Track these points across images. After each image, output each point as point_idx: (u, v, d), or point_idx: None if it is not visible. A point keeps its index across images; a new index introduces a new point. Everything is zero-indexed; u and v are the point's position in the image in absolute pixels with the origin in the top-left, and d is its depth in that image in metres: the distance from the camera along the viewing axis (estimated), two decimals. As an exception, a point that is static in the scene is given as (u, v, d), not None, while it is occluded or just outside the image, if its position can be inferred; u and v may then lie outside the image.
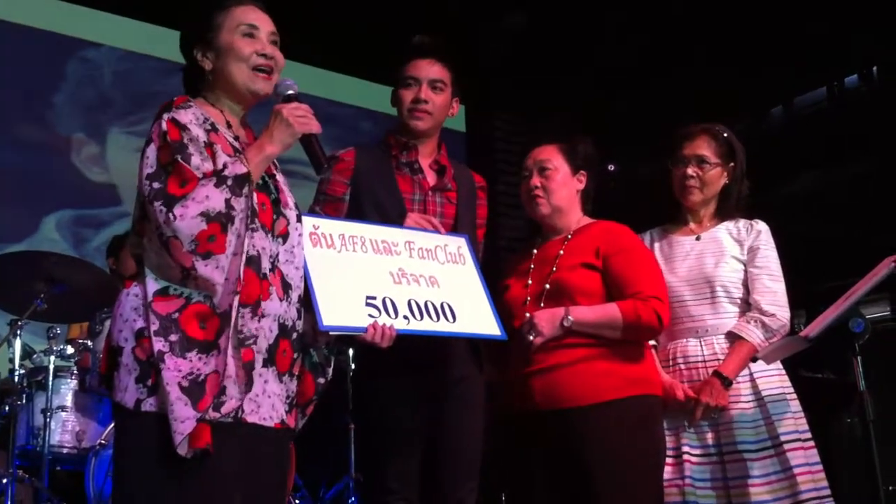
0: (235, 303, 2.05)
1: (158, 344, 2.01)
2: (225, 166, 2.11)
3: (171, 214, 2.01)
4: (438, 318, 2.51)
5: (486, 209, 3.04)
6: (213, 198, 2.04)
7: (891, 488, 2.85)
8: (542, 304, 2.76)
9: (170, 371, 1.99)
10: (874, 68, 5.72)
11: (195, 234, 2.02)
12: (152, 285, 2.07)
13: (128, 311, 2.10)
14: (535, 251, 2.92)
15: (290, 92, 2.29)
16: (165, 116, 2.13)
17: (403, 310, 2.46)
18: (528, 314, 2.72)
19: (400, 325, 2.41)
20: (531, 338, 2.64)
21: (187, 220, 2.01)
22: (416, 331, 2.45)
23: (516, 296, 2.81)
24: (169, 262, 2.05)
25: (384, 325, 2.37)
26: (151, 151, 2.11)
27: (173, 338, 2.02)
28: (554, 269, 2.81)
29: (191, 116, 2.16)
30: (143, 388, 2.03)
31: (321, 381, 2.37)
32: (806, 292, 3.82)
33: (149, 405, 2.02)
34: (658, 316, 2.69)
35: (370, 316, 2.38)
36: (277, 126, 2.22)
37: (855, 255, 3.12)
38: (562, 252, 2.84)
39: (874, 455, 2.61)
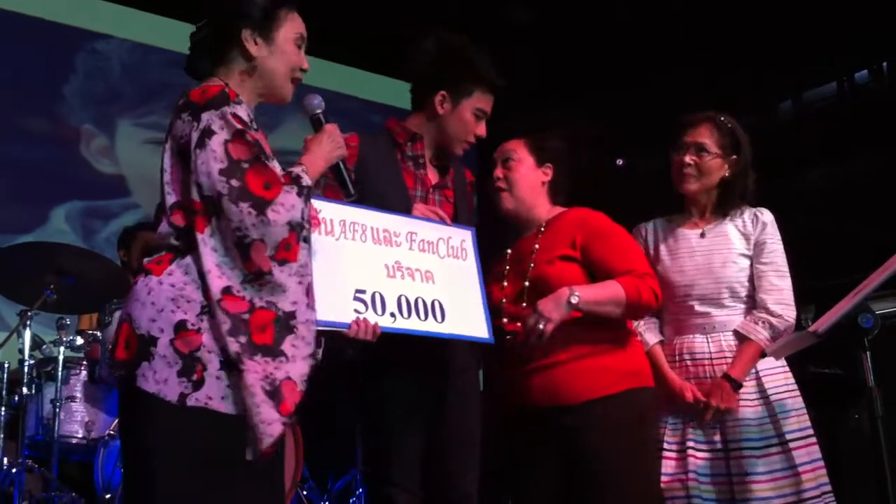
0: (302, 311, 2.09)
1: (234, 345, 2.01)
2: (300, 176, 2.15)
3: (263, 217, 2.02)
4: (426, 317, 2.51)
5: (472, 205, 3.03)
6: (297, 207, 2.07)
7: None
8: (523, 304, 2.73)
9: (251, 373, 2.00)
10: (884, 63, 5.70)
11: (279, 240, 2.04)
12: (218, 282, 2.04)
13: (163, 300, 2.05)
14: (508, 251, 2.89)
15: (320, 111, 2.37)
16: (227, 110, 2.10)
17: (391, 306, 2.45)
18: (503, 299, 2.72)
19: (385, 322, 2.41)
20: (541, 326, 2.55)
21: (279, 226, 2.03)
22: (402, 329, 2.45)
23: (494, 299, 2.76)
24: (240, 262, 2.04)
25: (367, 321, 2.37)
26: (218, 144, 2.06)
27: (242, 339, 2.02)
28: (532, 265, 2.78)
29: (245, 113, 2.15)
30: (189, 382, 2.01)
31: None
32: (815, 288, 3.82)
33: (194, 400, 2.01)
34: (654, 293, 2.69)
35: (356, 311, 2.38)
36: (328, 145, 2.30)
37: (864, 251, 3.11)
38: (537, 246, 2.81)
39: (882, 451, 2.60)
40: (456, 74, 2.79)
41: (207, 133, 2.07)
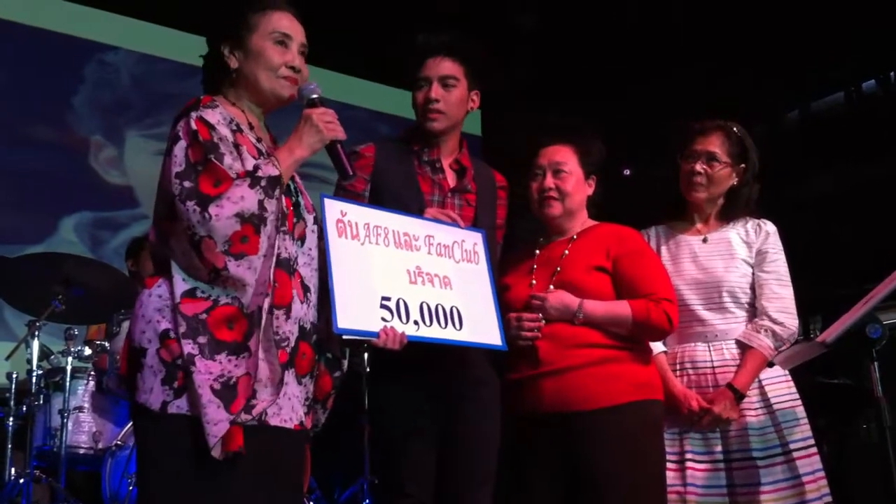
0: (266, 304, 2.05)
1: (188, 346, 2.00)
2: (257, 168, 2.10)
3: (205, 214, 2.00)
4: (446, 325, 2.50)
5: (505, 209, 3.00)
6: (247, 199, 2.03)
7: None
8: None
9: (201, 374, 1.98)
10: (892, 73, 5.69)
11: (229, 234, 2.01)
12: (180, 286, 2.05)
13: (151, 311, 2.08)
14: (537, 251, 2.91)
15: (315, 96, 2.28)
16: (193, 115, 2.11)
17: (415, 314, 2.44)
18: (541, 294, 2.71)
19: (410, 330, 2.39)
20: (530, 324, 2.65)
21: (223, 220, 2.00)
22: (425, 337, 2.43)
23: (520, 295, 2.78)
24: (198, 262, 2.03)
25: (395, 330, 2.35)
26: (180, 150, 2.08)
27: (202, 340, 2.01)
28: (559, 269, 2.80)
29: (218, 116, 2.15)
30: (170, 389, 2.01)
31: (337, 374, 2.37)
32: (822, 297, 3.81)
33: (175, 407, 2.01)
34: (668, 317, 2.69)
35: (383, 319, 2.36)
36: (307, 130, 2.22)
37: (870, 260, 3.10)
38: (567, 252, 2.83)
39: (890, 461, 2.59)
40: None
41: (173, 140, 2.10)
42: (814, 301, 3.01)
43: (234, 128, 2.17)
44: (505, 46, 6.57)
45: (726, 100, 5.26)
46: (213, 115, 2.14)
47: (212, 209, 2.00)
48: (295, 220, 2.24)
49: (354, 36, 6.21)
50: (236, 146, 2.13)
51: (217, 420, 1.97)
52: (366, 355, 3.93)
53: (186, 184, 2.04)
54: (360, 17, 6.09)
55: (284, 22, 2.29)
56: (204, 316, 2.03)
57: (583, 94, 6.44)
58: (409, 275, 2.50)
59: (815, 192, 5.74)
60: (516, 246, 3.02)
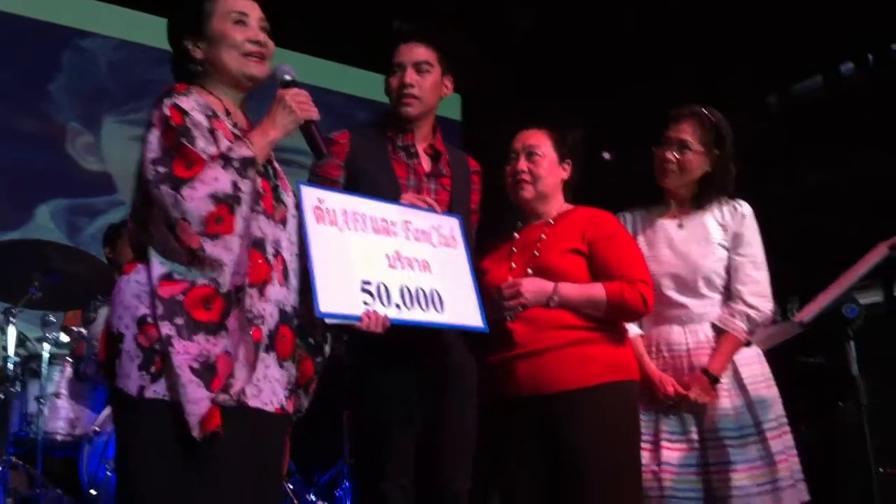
0: (242, 284, 2.06)
1: (165, 328, 2.00)
2: (230, 149, 2.11)
3: (179, 196, 2.01)
4: (428, 308, 2.51)
5: (479, 194, 3.02)
6: (220, 179, 2.04)
7: (882, 470, 2.86)
8: None
9: (179, 354, 1.98)
10: (869, 56, 5.71)
11: (203, 215, 2.02)
12: (157, 270, 2.05)
13: (128, 297, 2.08)
14: (516, 235, 2.92)
15: (288, 77, 2.30)
16: (167, 102, 2.13)
17: (396, 297, 2.44)
18: (510, 279, 2.72)
19: (392, 313, 2.40)
20: (510, 303, 2.65)
21: (196, 201, 2.01)
22: (407, 320, 2.44)
23: (499, 278, 2.79)
24: (175, 245, 2.03)
25: (377, 313, 2.36)
26: (154, 136, 2.09)
27: (179, 321, 2.01)
28: (536, 252, 2.82)
29: (192, 102, 2.16)
30: (147, 374, 2.02)
31: (319, 360, 2.38)
32: (800, 280, 3.83)
33: (153, 392, 2.01)
34: (643, 298, 2.71)
35: (364, 303, 2.37)
36: (280, 111, 2.23)
37: (849, 245, 3.12)
38: (544, 236, 2.84)
39: (867, 439, 2.62)
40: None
41: (148, 127, 2.12)
42: (791, 283, 3.02)
43: (210, 113, 2.18)
44: (501, 43, 6.58)
45: (709, 87, 5.28)
46: (187, 102, 2.15)
47: (185, 191, 2.01)
48: (275, 203, 2.25)
49: (332, 20, 6.18)
50: (212, 131, 2.14)
51: (198, 399, 1.97)
52: (345, 337, 3.94)
53: (161, 169, 2.05)
54: (338, 1, 6.06)
55: (238, 2, 2.31)
56: (181, 297, 2.03)
57: (574, 92, 6.44)
58: (389, 259, 2.51)
59: (798, 176, 5.75)
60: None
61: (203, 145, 2.09)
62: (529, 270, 2.78)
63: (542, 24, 6.40)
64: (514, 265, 2.84)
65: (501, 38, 6.57)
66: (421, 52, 2.84)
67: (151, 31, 5.84)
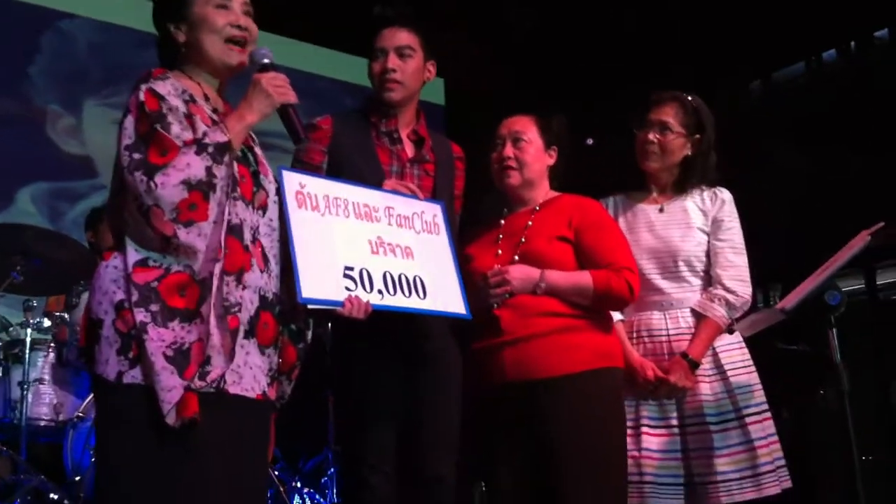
0: (217, 270, 2.05)
1: (140, 315, 2.00)
2: (205, 135, 2.09)
3: (152, 183, 2.00)
4: (410, 294, 2.51)
5: (463, 180, 3.02)
6: (194, 166, 2.03)
7: (864, 458, 2.89)
8: None
9: (153, 341, 1.98)
10: (852, 43, 5.73)
11: (177, 202, 2.00)
12: (132, 256, 2.05)
13: (107, 283, 2.08)
14: (502, 222, 2.93)
15: (266, 61, 2.27)
16: (143, 87, 2.11)
17: (378, 283, 2.44)
18: (497, 266, 2.73)
19: (374, 299, 2.40)
20: (497, 290, 2.66)
21: (169, 188, 2.00)
22: (389, 306, 2.44)
23: (486, 265, 2.79)
24: (149, 232, 2.03)
25: (360, 299, 2.36)
26: (129, 123, 2.08)
27: (154, 308, 2.01)
28: (523, 239, 2.82)
29: (169, 87, 2.15)
30: (125, 360, 2.01)
31: (301, 346, 2.37)
32: (783, 267, 3.85)
33: (131, 377, 2.01)
34: (629, 286, 2.72)
35: (347, 289, 2.36)
36: (256, 95, 2.21)
37: (832, 233, 3.13)
38: (530, 223, 2.85)
39: (849, 426, 2.64)
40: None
41: (125, 113, 2.11)
42: (774, 269, 3.03)
43: (188, 98, 2.17)
44: (501, 43, 6.56)
45: (690, 72, 5.29)
46: (163, 87, 2.14)
47: (158, 178, 2.00)
48: (254, 188, 2.23)
49: (319, 5, 6.14)
50: (189, 116, 2.13)
51: (171, 386, 1.97)
52: (329, 325, 3.94)
53: (135, 156, 2.04)
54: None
55: None
56: (155, 284, 2.03)
57: (574, 92, 6.43)
58: (371, 245, 2.51)
59: (780, 163, 5.77)
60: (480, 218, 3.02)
61: (178, 131, 2.08)
62: (516, 257, 2.79)
63: (542, 24, 6.39)
64: (500, 252, 2.84)
65: (501, 38, 6.55)
66: (403, 37, 2.82)
67: (133, 12, 5.81)
